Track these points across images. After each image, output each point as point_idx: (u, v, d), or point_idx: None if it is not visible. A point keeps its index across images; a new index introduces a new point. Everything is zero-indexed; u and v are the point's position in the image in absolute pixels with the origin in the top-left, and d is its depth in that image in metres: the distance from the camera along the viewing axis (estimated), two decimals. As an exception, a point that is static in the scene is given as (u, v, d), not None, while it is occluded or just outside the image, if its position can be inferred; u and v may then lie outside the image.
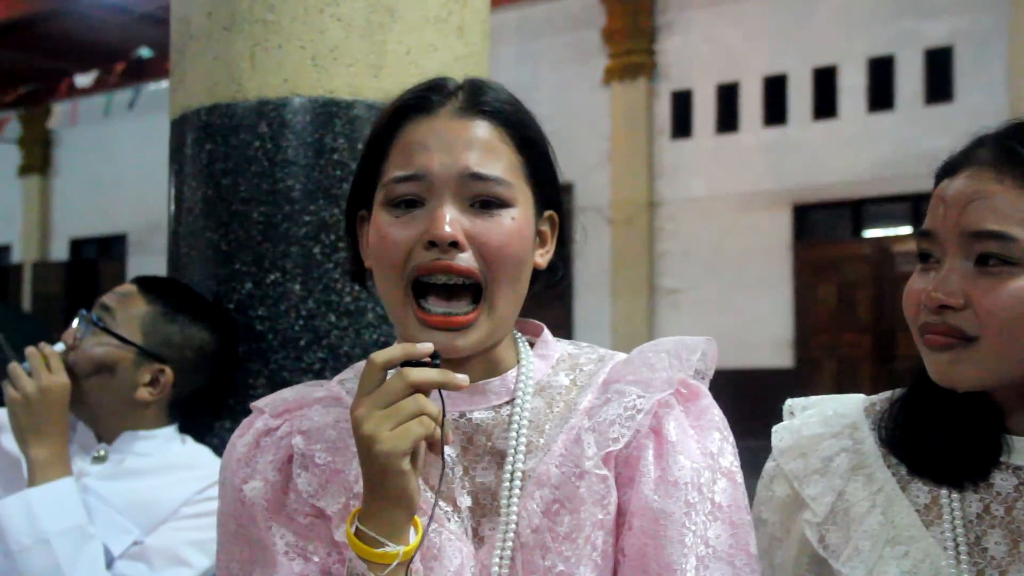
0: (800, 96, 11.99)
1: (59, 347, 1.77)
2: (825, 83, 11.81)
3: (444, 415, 1.00)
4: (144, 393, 1.78)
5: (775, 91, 12.12)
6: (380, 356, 0.99)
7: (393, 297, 1.07)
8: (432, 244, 1.03)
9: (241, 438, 1.14)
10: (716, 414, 1.12)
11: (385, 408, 0.97)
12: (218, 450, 1.81)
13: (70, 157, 17.72)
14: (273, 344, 1.89)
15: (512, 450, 1.08)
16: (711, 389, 1.15)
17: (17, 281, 17.56)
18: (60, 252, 17.95)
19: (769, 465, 1.30)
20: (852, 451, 1.23)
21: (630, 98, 12.85)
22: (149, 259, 16.01)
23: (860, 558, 1.17)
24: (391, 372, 0.99)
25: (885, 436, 1.22)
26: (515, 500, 1.07)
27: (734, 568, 1.07)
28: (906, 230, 11.75)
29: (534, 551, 1.05)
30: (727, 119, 12.44)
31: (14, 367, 1.72)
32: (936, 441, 1.18)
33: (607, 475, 1.07)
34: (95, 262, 17.70)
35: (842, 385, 10.91)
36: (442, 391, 1.00)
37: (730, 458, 1.11)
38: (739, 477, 1.11)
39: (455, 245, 1.03)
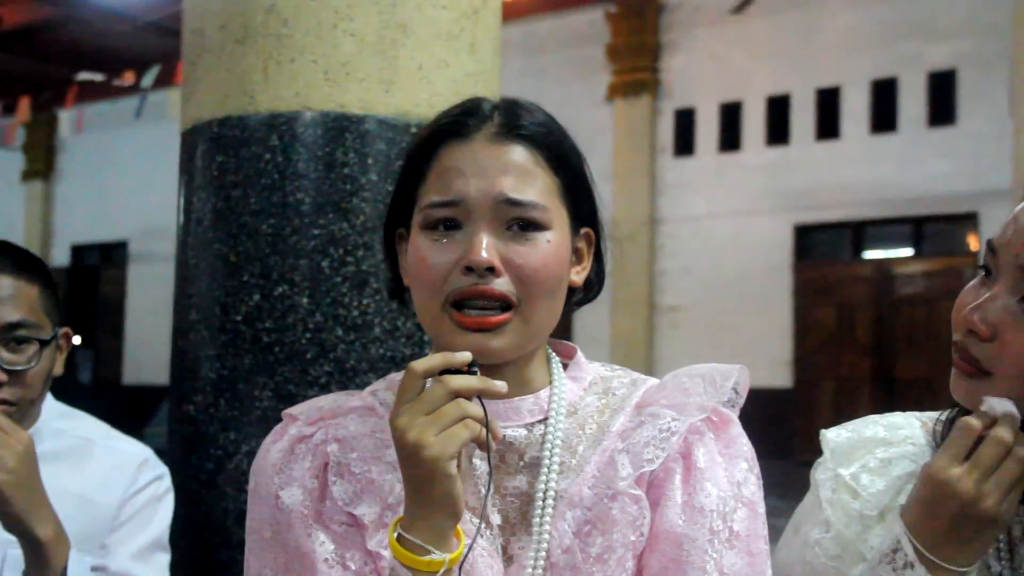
0: (803, 116, 12.02)
1: None
2: (828, 104, 11.85)
3: (487, 417, 1.00)
4: (60, 366, 1.63)
5: (778, 111, 12.16)
6: (419, 365, 1.00)
7: (430, 308, 1.08)
8: (469, 269, 1.05)
9: (275, 444, 1.14)
10: (744, 443, 1.13)
11: (428, 415, 0.98)
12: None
13: (74, 164, 17.76)
14: (280, 356, 1.90)
15: (545, 468, 1.09)
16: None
17: (17, 286, 17.54)
18: (61, 258, 17.97)
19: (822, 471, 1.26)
20: (911, 458, 1.23)
21: (633, 115, 12.88)
22: (149, 266, 16.04)
23: None
24: (429, 381, 1.00)
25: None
26: (547, 519, 1.07)
27: None
28: (907, 252, 11.76)
29: (564, 571, 1.05)
30: (730, 138, 12.48)
31: None
32: None
33: (641, 495, 1.07)
34: (96, 268, 17.74)
35: (840, 406, 10.87)
36: (482, 398, 1.01)
37: (753, 488, 1.11)
38: (760, 508, 1.11)
39: (491, 271, 1.05)
